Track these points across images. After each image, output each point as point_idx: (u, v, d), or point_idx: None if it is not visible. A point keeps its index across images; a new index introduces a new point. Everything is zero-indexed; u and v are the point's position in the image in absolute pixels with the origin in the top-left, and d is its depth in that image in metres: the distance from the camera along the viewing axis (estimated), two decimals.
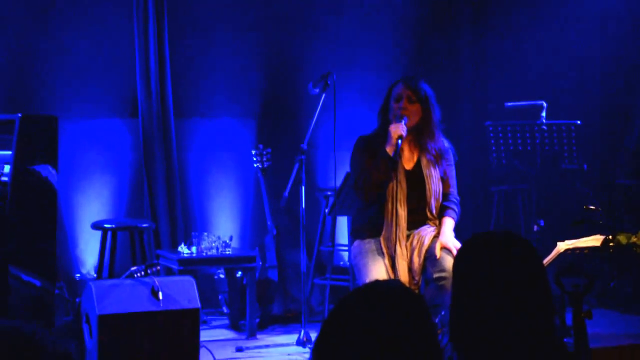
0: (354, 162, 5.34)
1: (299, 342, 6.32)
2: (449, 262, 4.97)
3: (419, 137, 5.31)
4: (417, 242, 5.16)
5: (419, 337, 1.99)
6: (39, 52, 7.19)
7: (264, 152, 7.26)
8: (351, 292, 2.09)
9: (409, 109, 5.23)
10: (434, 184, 5.26)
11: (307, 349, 6.22)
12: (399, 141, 5.08)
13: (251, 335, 6.71)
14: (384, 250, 5.14)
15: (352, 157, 5.36)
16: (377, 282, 2.11)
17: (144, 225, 6.92)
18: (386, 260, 5.11)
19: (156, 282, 5.56)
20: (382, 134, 5.22)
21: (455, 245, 5.09)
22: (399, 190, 5.16)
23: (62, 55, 7.25)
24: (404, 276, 5.08)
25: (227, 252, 6.82)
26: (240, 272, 6.97)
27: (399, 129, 5.10)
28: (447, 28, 8.66)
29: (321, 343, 2.02)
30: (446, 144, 5.39)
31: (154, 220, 7.29)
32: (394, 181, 5.15)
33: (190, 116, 7.76)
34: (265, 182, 7.26)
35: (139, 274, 5.81)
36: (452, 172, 5.40)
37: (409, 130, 5.18)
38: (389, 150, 5.10)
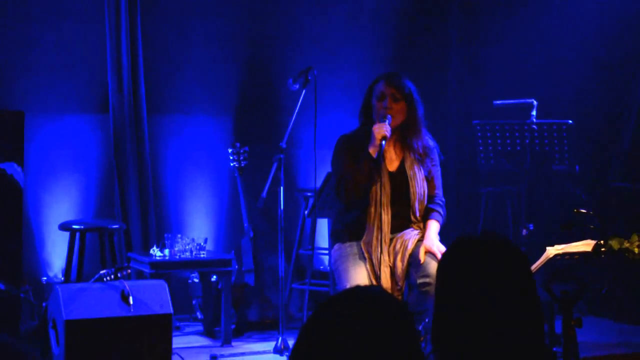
0: (335, 163, 5.34)
1: (277, 350, 6.32)
2: (433, 266, 4.98)
3: (403, 136, 5.31)
4: (401, 246, 5.16)
5: (401, 345, 2.00)
6: (4, 44, 7.16)
7: (241, 151, 7.26)
8: (331, 298, 2.09)
9: (393, 108, 5.21)
10: (419, 186, 5.26)
11: (284, 357, 6.22)
12: (383, 142, 5.08)
13: (226, 343, 6.71)
14: (366, 255, 5.14)
15: (333, 157, 5.35)
16: (357, 287, 2.11)
17: (114, 226, 6.91)
18: (368, 265, 5.11)
19: (127, 286, 5.56)
20: (365, 133, 5.22)
21: (440, 249, 5.10)
22: (383, 194, 5.16)
23: (29, 48, 7.22)
24: (386, 282, 5.08)
25: (202, 255, 6.82)
26: (215, 276, 6.96)
27: (382, 129, 5.10)
28: (434, 23, 8.67)
29: (299, 351, 2.03)
30: (431, 142, 5.40)
31: (124, 221, 7.28)
32: (377, 184, 5.15)
33: (164, 112, 7.74)
34: (242, 182, 7.25)
35: (108, 278, 5.81)
36: (437, 173, 5.40)
37: (393, 130, 5.18)
38: (372, 151, 5.09)
